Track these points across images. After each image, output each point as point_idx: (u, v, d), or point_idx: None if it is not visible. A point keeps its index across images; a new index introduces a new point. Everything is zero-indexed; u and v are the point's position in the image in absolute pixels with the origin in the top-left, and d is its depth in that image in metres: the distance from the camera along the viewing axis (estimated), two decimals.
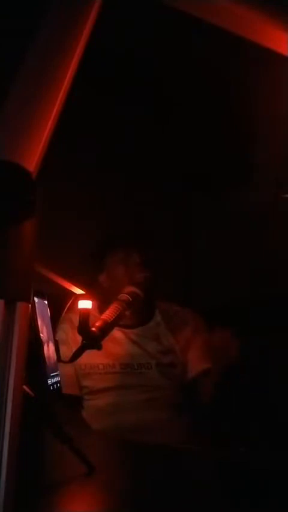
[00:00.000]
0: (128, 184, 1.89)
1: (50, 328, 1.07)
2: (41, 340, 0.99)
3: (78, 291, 1.76)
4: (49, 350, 1.04)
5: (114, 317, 1.38)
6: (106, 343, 1.64)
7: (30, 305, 0.68)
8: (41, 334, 1.00)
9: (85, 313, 1.29)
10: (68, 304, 1.74)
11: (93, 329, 1.31)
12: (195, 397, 1.67)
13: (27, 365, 0.66)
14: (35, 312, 0.98)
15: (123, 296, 1.48)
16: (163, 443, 1.45)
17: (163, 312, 1.76)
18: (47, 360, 1.00)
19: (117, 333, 1.68)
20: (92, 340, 1.31)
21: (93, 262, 1.74)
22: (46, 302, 1.08)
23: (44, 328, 1.03)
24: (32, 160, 0.69)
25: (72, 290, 1.77)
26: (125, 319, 1.66)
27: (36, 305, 1.00)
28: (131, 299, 1.48)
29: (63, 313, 1.74)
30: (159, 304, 1.78)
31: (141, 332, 1.71)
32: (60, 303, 1.75)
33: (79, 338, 1.31)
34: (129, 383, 1.63)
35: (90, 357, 1.58)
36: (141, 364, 1.66)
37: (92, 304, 1.32)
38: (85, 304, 1.29)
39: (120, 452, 1.27)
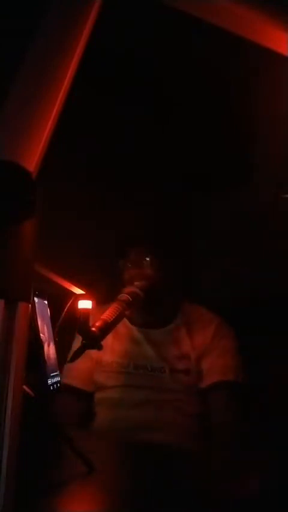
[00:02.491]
0: (128, 184, 1.89)
1: (50, 328, 1.07)
2: (41, 340, 0.99)
3: (78, 291, 1.75)
4: (49, 350, 1.04)
5: (114, 317, 1.39)
6: (123, 342, 1.65)
7: (30, 305, 0.68)
8: (41, 334, 1.00)
9: (85, 313, 1.29)
10: (68, 304, 1.74)
11: (93, 329, 1.32)
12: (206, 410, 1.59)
13: (27, 365, 0.66)
14: (35, 312, 0.98)
15: (123, 296, 1.49)
16: (163, 443, 1.45)
17: (186, 314, 1.70)
18: (47, 360, 1.00)
19: (135, 332, 1.68)
20: (92, 340, 1.31)
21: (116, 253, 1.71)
22: (46, 302, 1.08)
23: (44, 328, 1.03)
24: (32, 160, 0.69)
25: (72, 290, 1.77)
26: (145, 319, 1.67)
27: (36, 305, 1.00)
28: (131, 299, 1.49)
29: (63, 313, 1.73)
30: (184, 306, 1.72)
31: (160, 334, 1.67)
32: (60, 303, 1.75)
33: None
34: (139, 384, 1.61)
35: (105, 354, 1.60)
36: (154, 367, 1.62)
37: (92, 304, 1.32)
38: (85, 304, 1.29)
39: (120, 452, 1.27)
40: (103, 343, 1.36)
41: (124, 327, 1.69)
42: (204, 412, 1.58)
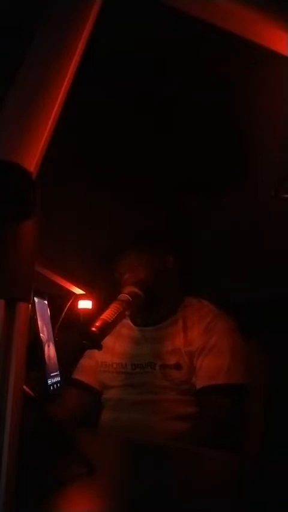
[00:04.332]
0: (127, 184, 1.89)
1: (50, 328, 1.08)
2: (41, 340, 0.99)
3: (78, 291, 1.76)
4: (49, 350, 1.04)
5: (114, 317, 1.39)
6: (124, 342, 1.66)
7: (30, 305, 0.68)
8: (41, 334, 1.00)
9: (85, 313, 1.29)
10: (68, 304, 1.74)
11: (93, 329, 1.32)
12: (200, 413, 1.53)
13: (27, 365, 0.66)
14: (35, 312, 0.99)
15: (123, 296, 1.49)
16: (161, 444, 1.44)
17: (186, 308, 1.67)
18: (47, 360, 1.01)
19: (136, 332, 1.68)
20: (92, 340, 1.32)
21: (110, 260, 1.70)
22: (46, 302, 1.08)
23: (44, 328, 1.03)
24: (32, 160, 0.69)
25: (72, 290, 1.77)
26: (145, 318, 1.67)
27: (36, 305, 1.00)
28: (131, 299, 1.49)
29: (63, 313, 1.74)
30: (186, 301, 1.70)
31: (157, 330, 1.65)
32: (60, 303, 1.75)
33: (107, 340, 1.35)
34: (136, 383, 1.60)
35: (107, 355, 1.61)
36: (148, 364, 1.60)
37: (92, 304, 1.33)
38: (85, 304, 1.29)
39: (120, 452, 1.27)
40: (105, 344, 1.36)
41: (126, 327, 1.69)
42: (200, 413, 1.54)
